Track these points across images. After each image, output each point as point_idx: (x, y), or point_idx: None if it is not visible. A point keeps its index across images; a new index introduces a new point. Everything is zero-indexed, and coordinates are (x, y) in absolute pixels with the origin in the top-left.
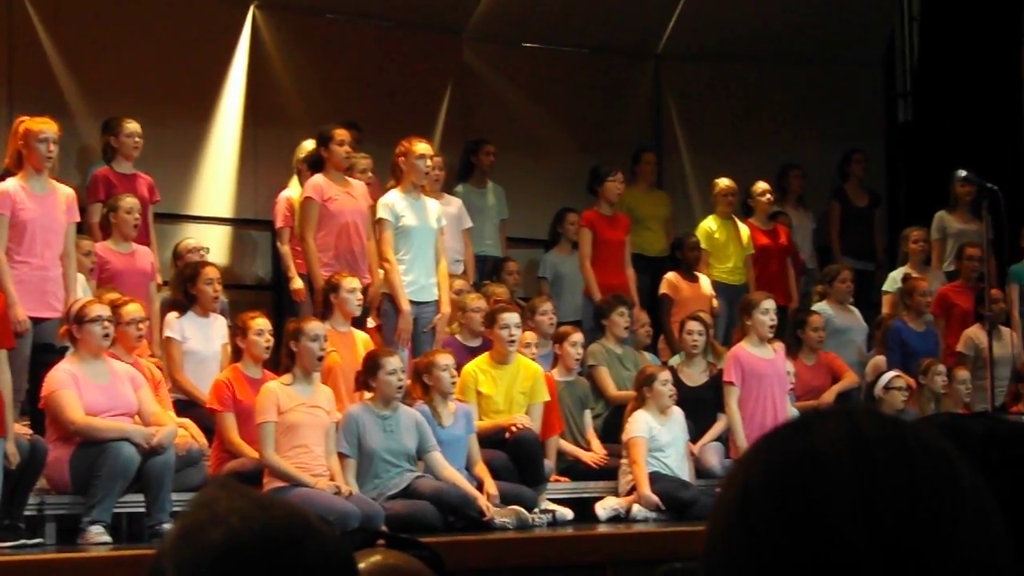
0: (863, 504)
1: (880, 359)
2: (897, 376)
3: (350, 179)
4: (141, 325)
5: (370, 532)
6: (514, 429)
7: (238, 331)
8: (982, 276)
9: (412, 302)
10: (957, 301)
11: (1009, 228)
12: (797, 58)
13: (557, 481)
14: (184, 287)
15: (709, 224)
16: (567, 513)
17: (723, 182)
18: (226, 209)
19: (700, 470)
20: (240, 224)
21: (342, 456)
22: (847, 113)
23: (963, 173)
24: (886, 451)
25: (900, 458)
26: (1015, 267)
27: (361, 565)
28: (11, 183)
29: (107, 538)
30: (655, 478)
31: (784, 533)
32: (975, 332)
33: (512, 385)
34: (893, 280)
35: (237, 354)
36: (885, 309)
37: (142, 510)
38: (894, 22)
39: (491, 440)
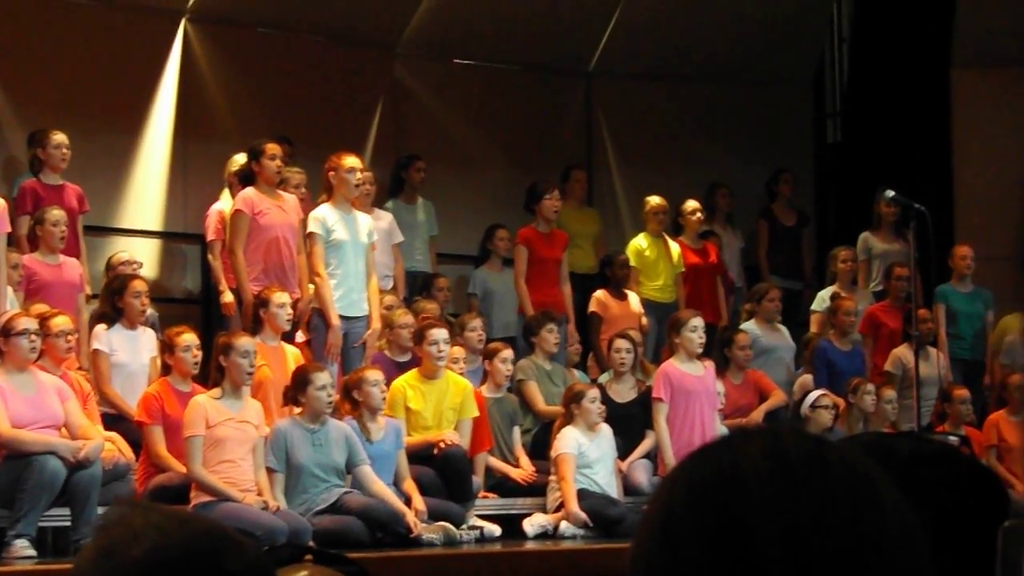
0: (783, 523)
1: (807, 378)
2: (824, 395)
3: (282, 193)
4: (70, 337)
5: (297, 547)
6: (443, 445)
7: (166, 346)
8: (910, 296)
9: (342, 317)
10: (885, 321)
11: (936, 249)
12: (728, 77)
13: (485, 497)
14: (112, 300)
15: (639, 242)
16: (495, 530)
17: (654, 200)
18: (156, 222)
19: (628, 487)
20: (170, 237)
21: (270, 471)
22: (777, 132)
23: (890, 193)
24: (808, 471)
25: (821, 478)
26: (942, 287)
27: None
28: None
29: (32, 552)
30: (583, 495)
31: (705, 551)
32: (903, 352)
33: (441, 401)
34: (821, 299)
35: (166, 368)
36: (813, 328)
37: (68, 524)
38: (824, 43)
39: (420, 456)
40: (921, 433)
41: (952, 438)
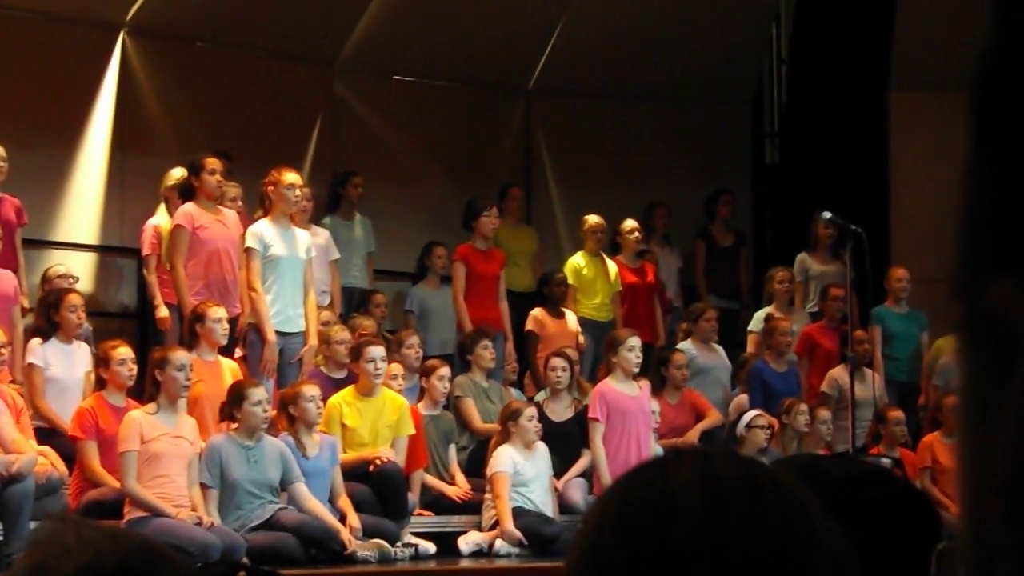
0: (713, 547)
1: (743, 398)
2: (759, 415)
3: (222, 208)
4: (3, 351)
5: (231, 564)
6: (378, 462)
7: (101, 360)
8: (846, 317)
9: (278, 332)
10: (821, 341)
11: (873, 270)
12: (667, 97)
13: (420, 515)
14: (47, 314)
15: (577, 260)
16: (430, 547)
17: (592, 219)
18: (92, 236)
19: (564, 506)
20: (106, 251)
21: (204, 486)
22: (715, 153)
23: (828, 215)
24: (738, 494)
25: (752, 501)
26: (878, 309)
27: None
28: None
29: None
30: (518, 513)
31: (637, 573)
32: (839, 373)
33: (377, 418)
34: (757, 320)
35: (101, 382)
36: (749, 348)
37: (0, 538)
38: (763, 64)
39: (355, 473)
40: (856, 454)
41: (885, 460)
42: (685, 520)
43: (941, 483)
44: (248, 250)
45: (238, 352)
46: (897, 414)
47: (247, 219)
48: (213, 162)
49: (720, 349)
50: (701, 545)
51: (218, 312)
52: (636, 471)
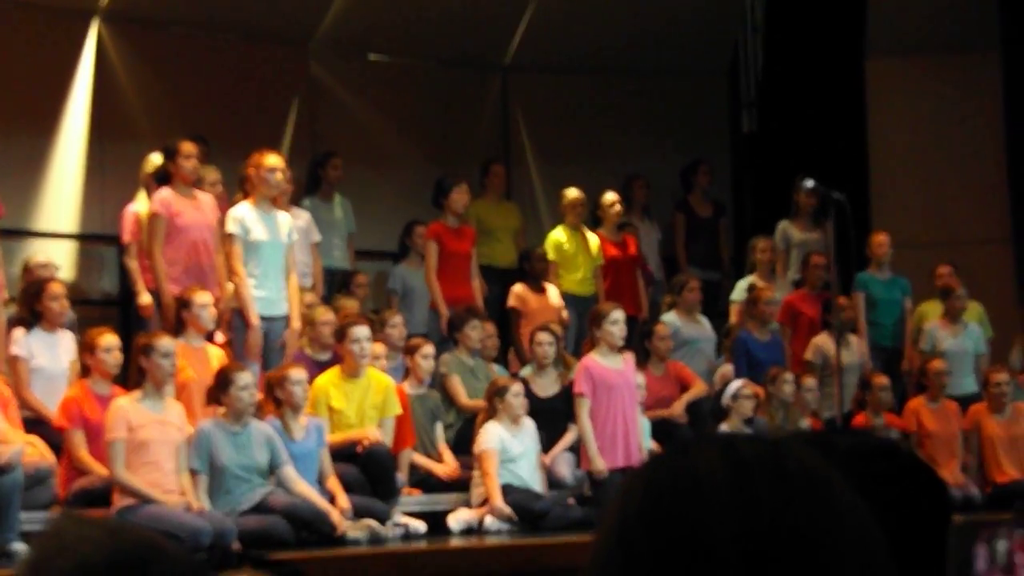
0: (742, 529)
1: (728, 368)
2: (745, 385)
3: (198, 192)
4: None
5: (232, 552)
6: (366, 443)
7: (86, 348)
8: (828, 284)
9: (262, 317)
10: (803, 309)
11: (855, 237)
12: (643, 69)
13: (409, 494)
14: (30, 304)
15: (558, 235)
16: (420, 526)
17: (572, 193)
18: (72, 224)
19: (552, 481)
20: (86, 239)
21: (193, 472)
22: (692, 124)
23: (810, 183)
24: (765, 475)
25: (779, 482)
26: (861, 275)
27: None
28: None
29: None
30: (507, 490)
31: (663, 559)
32: (822, 340)
33: (364, 399)
34: (740, 289)
35: (86, 371)
36: (733, 318)
37: None
38: (738, 33)
39: (343, 454)
40: (844, 422)
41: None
42: (712, 504)
43: (926, 448)
44: (229, 235)
45: (219, 337)
46: (882, 380)
47: (226, 203)
48: (188, 147)
49: (704, 320)
50: (729, 529)
51: (204, 297)
52: (660, 457)
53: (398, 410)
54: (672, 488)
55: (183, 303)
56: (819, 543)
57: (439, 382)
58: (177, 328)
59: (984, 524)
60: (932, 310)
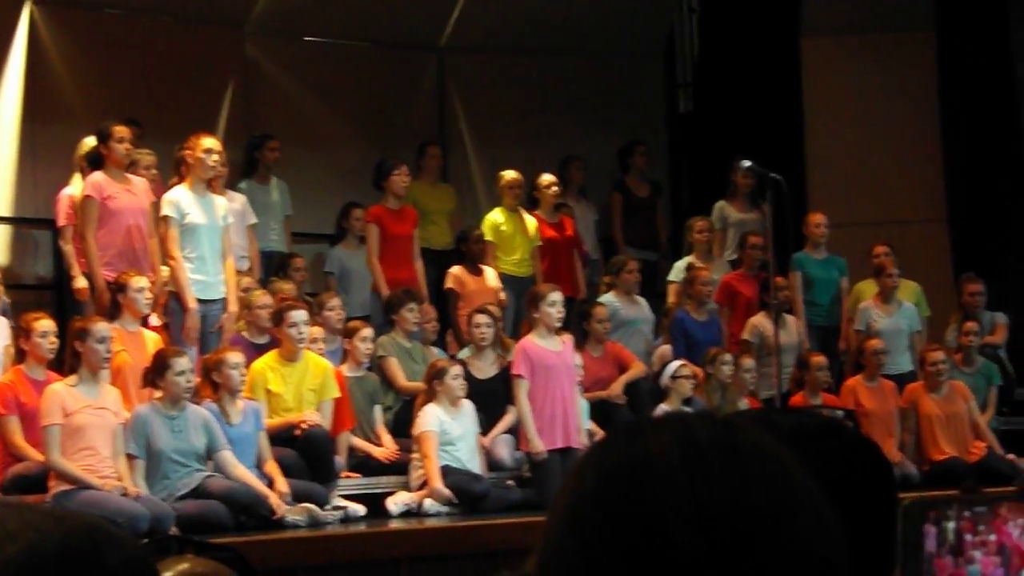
0: (697, 508)
1: (666, 349)
2: (683, 365)
3: (131, 176)
4: None
5: (178, 538)
6: (304, 426)
7: (22, 333)
8: (765, 264)
9: (199, 300)
10: (741, 289)
11: (791, 217)
12: (579, 50)
13: (348, 477)
14: None
15: (495, 216)
16: (359, 509)
17: (509, 174)
18: (5, 208)
19: (491, 463)
20: (20, 223)
21: (130, 457)
22: (628, 104)
23: (747, 163)
24: (719, 455)
25: (733, 462)
26: (798, 255)
27: (168, 574)
28: None
29: None
30: (447, 472)
31: (618, 540)
32: (760, 320)
33: (302, 382)
34: (678, 270)
35: (21, 356)
36: (670, 299)
37: None
38: (673, 13)
39: (281, 438)
40: (781, 401)
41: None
42: (667, 486)
43: (864, 426)
44: (164, 218)
45: (154, 320)
46: (819, 359)
47: (161, 187)
48: (121, 130)
49: (642, 301)
50: (684, 510)
51: (140, 282)
52: (612, 437)
53: (336, 393)
54: (627, 469)
55: (118, 287)
56: (776, 522)
57: (377, 364)
58: (112, 312)
59: (933, 504)
60: (868, 289)
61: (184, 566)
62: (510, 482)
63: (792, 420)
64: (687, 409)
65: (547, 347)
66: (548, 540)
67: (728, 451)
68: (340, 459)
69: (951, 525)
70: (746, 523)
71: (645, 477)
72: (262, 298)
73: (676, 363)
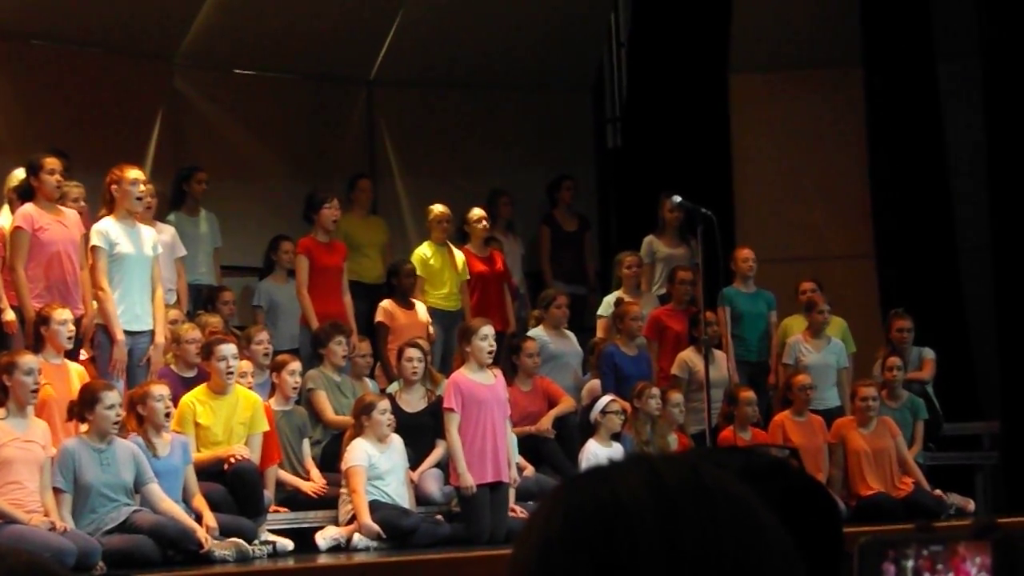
0: (668, 551)
1: (595, 383)
2: (613, 400)
3: (62, 208)
4: None
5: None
6: (233, 460)
7: None
8: (693, 299)
9: (126, 332)
10: (670, 324)
11: (720, 252)
12: (508, 84)
13: (276, 511)
14: None
15: (424, 250)
16: (287, 544)
17: (437, 208)
18: None
19: (420, 497)
20: None
21: (57, 491)
22: (557, 138)
23: (677, 199)
24: (688, 498)
25: (702, 504)
26: (727, 290)
27: None
28: None
29: None
30: (375, 506)
31: None
32: (689, 355)
33: (232, 415)
34: (607, 304)
35: None
36: (599, 333)
37: None
38: (603, 48)
39: (210, 472)
40: (712, 437)
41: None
42: (636, 528)
43: None
44: (94, 248)
45: (83, 354)
46: (748, 394)
47: (89, 219)
48: (52, 162)
49: (571, 335)
50: (654, 552)
51: (63, 314)
52: (577, 480)
53: (265, 427)
54: (596, 512)
55: (42, 320)
56: (746, 564)
57: (305, 398)
58: (36, 345)
59: (891, 542)
60: (796, 325)
61: None
62: (439, 516)
63: (739, 460)
64: (616, 444)
65: (479, 381)
66: None
67: (696, 494)
68: (268, 493)
69: (910, 564)
70: (717, 566)
71: (615, 520)
72: (191, 332)
73: (606, 398)
